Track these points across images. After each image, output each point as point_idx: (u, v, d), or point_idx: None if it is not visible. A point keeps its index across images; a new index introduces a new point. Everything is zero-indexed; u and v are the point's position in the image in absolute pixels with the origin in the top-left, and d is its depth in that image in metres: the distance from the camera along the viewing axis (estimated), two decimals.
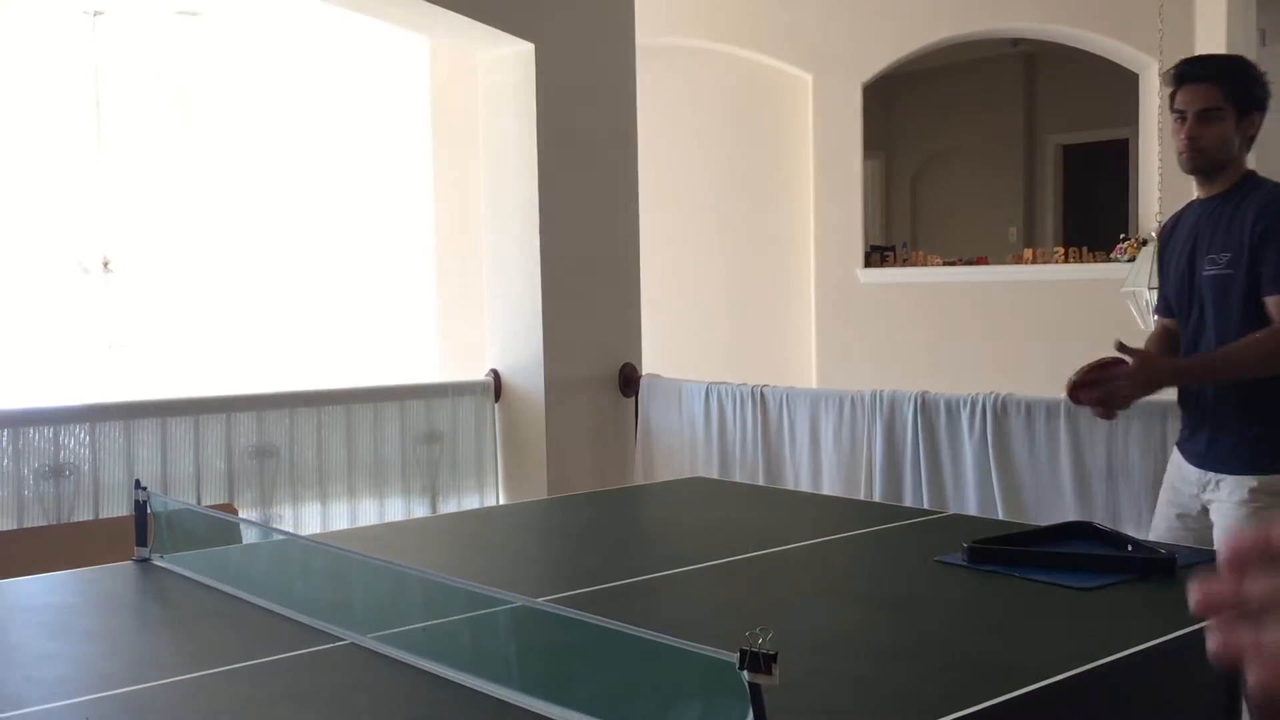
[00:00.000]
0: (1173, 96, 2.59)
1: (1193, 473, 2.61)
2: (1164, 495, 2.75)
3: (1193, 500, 2.61)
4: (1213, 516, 2.56)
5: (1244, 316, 2.49)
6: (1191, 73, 2.55)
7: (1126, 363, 2.52)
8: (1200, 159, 2.54)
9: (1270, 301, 2.45)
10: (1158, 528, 2.71)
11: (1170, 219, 2.78)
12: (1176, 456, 2.71)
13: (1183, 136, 2.54)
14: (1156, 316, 2.87)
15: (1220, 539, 2.51)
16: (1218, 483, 2.54)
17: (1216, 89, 2.51)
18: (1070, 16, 7.18)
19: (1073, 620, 1.89)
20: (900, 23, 7.40)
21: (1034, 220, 10.41)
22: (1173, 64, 2.65)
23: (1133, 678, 1.70)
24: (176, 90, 9.08)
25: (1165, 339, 2.75)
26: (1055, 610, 1.94)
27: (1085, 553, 2.21)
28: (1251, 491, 2.48)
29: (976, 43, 8.17)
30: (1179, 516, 2.64)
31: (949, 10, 7.36)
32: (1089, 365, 2.57)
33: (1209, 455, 2.57)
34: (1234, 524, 2.49)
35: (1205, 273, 2.54)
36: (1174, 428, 3.15)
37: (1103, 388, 2.54)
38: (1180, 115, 2.54)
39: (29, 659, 1.83)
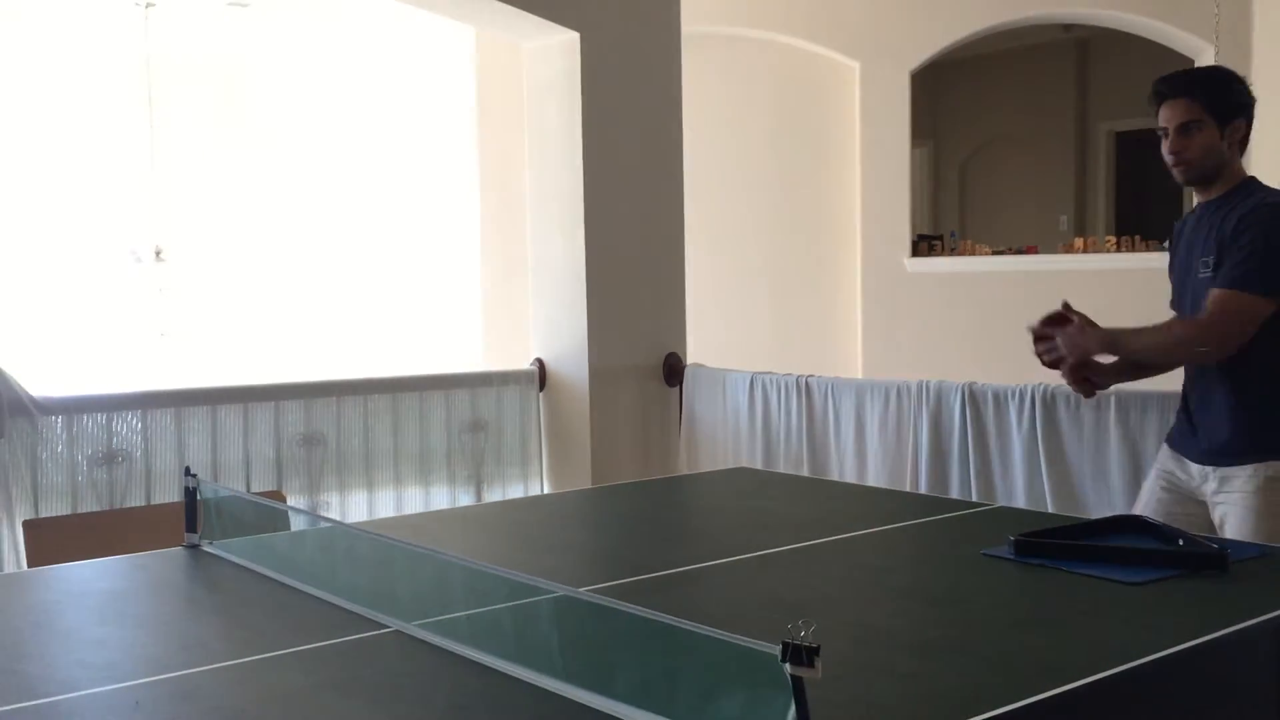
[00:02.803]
0: (1156, 115, 2.66)
1: (1195, 468, 2.66)
2: (1154, 485, 2.78)
3: (1194, 493, 2.66)
4: (1220, 510, 2.60)
5: None
6: (1167, 89, 2.63)
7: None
8: (1188, 171, 2.62)
9: (1213, 293, 2.52)
10: (1148, 507, 2.74)
11: (1181, 221, 2.83)
12: (1171, 452, 2.76)
13: (1168, 152, 2.63)
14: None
15: (1237, 529, 2.53)
16: (1224, 477, 2.58)
17: (1194, 102, 2.59)
18: (1125, 1, 7.06)
19: (1121, 616, 1.86)
20: (950, 9, 7.31)
21: (1085, 209, 10.27)
22: (1156, 80, 2.71)
23: (1183, 675, 1.67)
24: (227, 81, 9.18)
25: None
26: (1104, 605, 1.91)
27: (1135, 547, 2.17)
28: (1267, 480, 2.52)
29: (1028, 29, 8.07)
30: (1174, 504, 2.68)
31: None
32: (1044, 318, 2.66)
33: (1214, 449, 2.62)
34: (1249, 512, 2.53)
35: (1199, 275, 2.60)
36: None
37: (1045, 344, 2.64)
38: (1164, 131, 2.63)
39: (81, 643, 1.86)
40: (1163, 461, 2.80)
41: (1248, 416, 2.57)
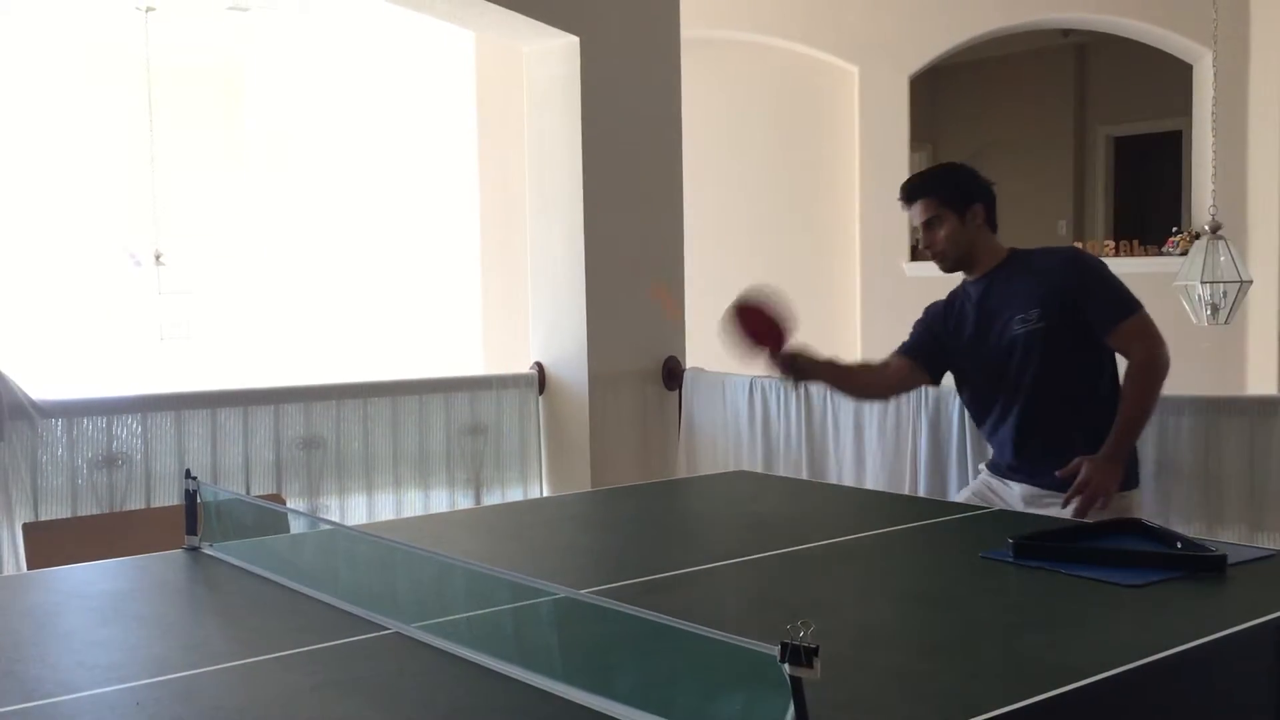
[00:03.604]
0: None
1: (1021, 490, 2.90)
2: (967, 497, 3.04)
3: (1010, 509, 2.84)
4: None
5: (1071, 357, 2.82)
6: (906, 195, 2.96)
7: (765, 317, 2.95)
8: (943, 260, 2.94)
9: (1126, 325, 2.76)
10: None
11: (941, 302, 3.07)
12: (991, 478, 2.99)
13: (924, 246, 2.98)
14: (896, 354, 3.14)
15: None
16: (1049, 498, 2.80)
17: (929, 200, 2.91)
18: (1123, 6, 7.08)
19: (1120, 618, 1.87)
20: (949, 13, 7.33)
21: (1084, 213, 10.28)
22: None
23: (1181, 677, 1.68)
24: (227, 85, 9.19)
25: (874, 371, 3.12)
26: (1102, 607, 1.92)
27: (1133, 549, 2.18)
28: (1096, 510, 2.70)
29: (1026, 34, 8.08)
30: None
31: (1000, 1, 7.28)
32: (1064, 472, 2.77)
33: (1033, 476, 2.86)
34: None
35: (1016, 331, 2.82)
36: (1225, 424, 3.19)
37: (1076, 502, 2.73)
38: (916, 230, 2.99)
39: (82, 645, 1.86)
40: (981, 484, 3.03)
41: (1090, 448, 2.74)
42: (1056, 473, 2.75)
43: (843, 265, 7.50)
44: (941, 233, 2.90)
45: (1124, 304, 2.81)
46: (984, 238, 2.92)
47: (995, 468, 3.03)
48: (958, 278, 3.06)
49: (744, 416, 4.41)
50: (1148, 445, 3.37)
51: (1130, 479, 2.83)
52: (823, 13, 7.39)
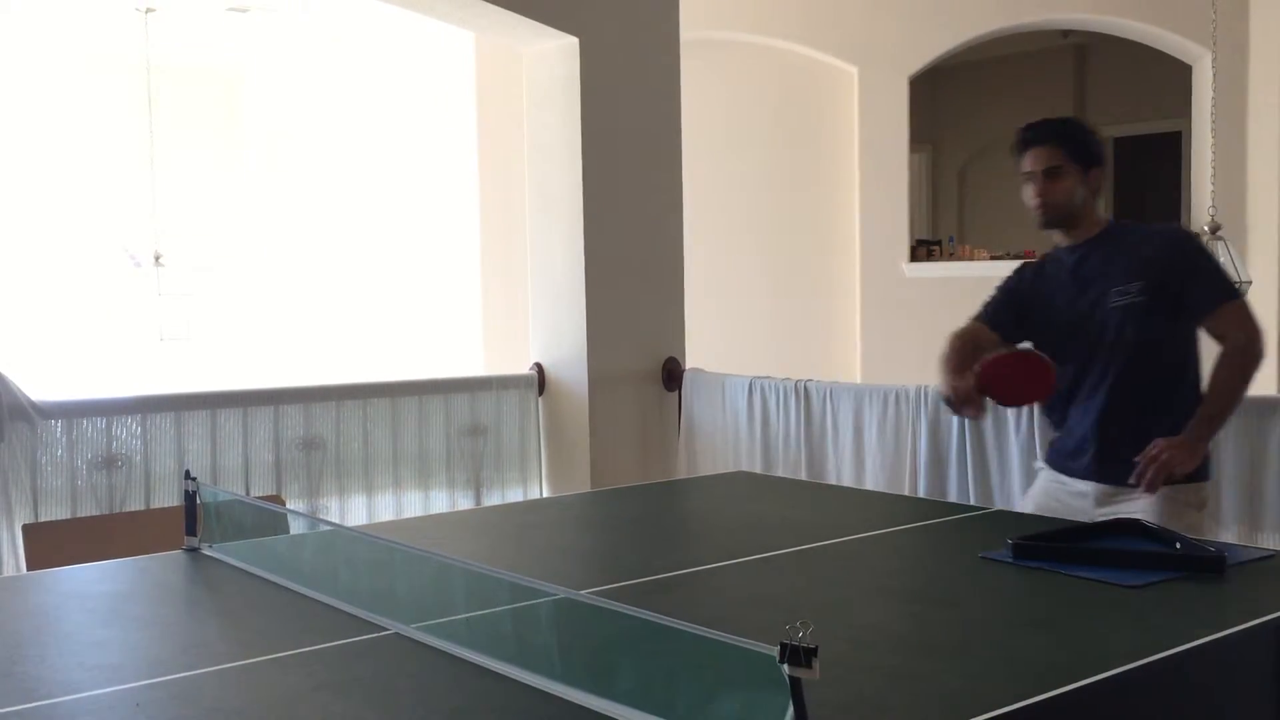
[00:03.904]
0: (1021, 160, 2.79)
1: (1088, 488, 2.74)
2: (1037, 504, 2.85)
3: (1079, 513, 2.71)
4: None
5: (1163, 339, 2.71)
6: (1035, 137, 2.78)
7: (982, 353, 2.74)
8: (1051, 214, 2.76)
9: (1225, 310, 2.66)
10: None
11: (1033, 264, 2.96)
12: (1055, 475, 2.83)
13: (1034, 195, 2.77)
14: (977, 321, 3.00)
15: None
16: (1123, 496, 2.65)
17: (1059, 149, 2.75)
18: (1123, 7, 7.08)
19: (1119, 618, 1.87)
20: (948, 15, 7.32)
21: None
22: (1021, 128, 2.83)
23: (1180, 676, 1.68)
24: (226, 86, 9.20)
25: (969, 345, 2.87)
26: (1102, 608, 1.92)
27: (1133, 550, 2.18)
28: (1168, 500, 2.60)
29: (1026, 34, 8.07)
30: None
31: (1000, 1, 7.28)
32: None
33: (1106, 471, 2.71)
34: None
35: (1116, 304, 2.70)
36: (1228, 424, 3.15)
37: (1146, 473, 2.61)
38: (1028, 176, 2.77)
39: (82, 646, 1.86)
40: (1045, 484, 2.87)
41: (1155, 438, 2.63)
42: (1135, 458, 2.59)
43: (843, 265, 7.49)
44: (1062, 185, 2.74)
45: (1226, 288, 2.71)
46: (1092, 203, 2.79)
47: (1060, 462, 2.84)
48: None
49: (743, 417, 4.41)
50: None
51: (1203, 470, 2.69)
52: (822, 13, 7.38)
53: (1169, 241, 2.76)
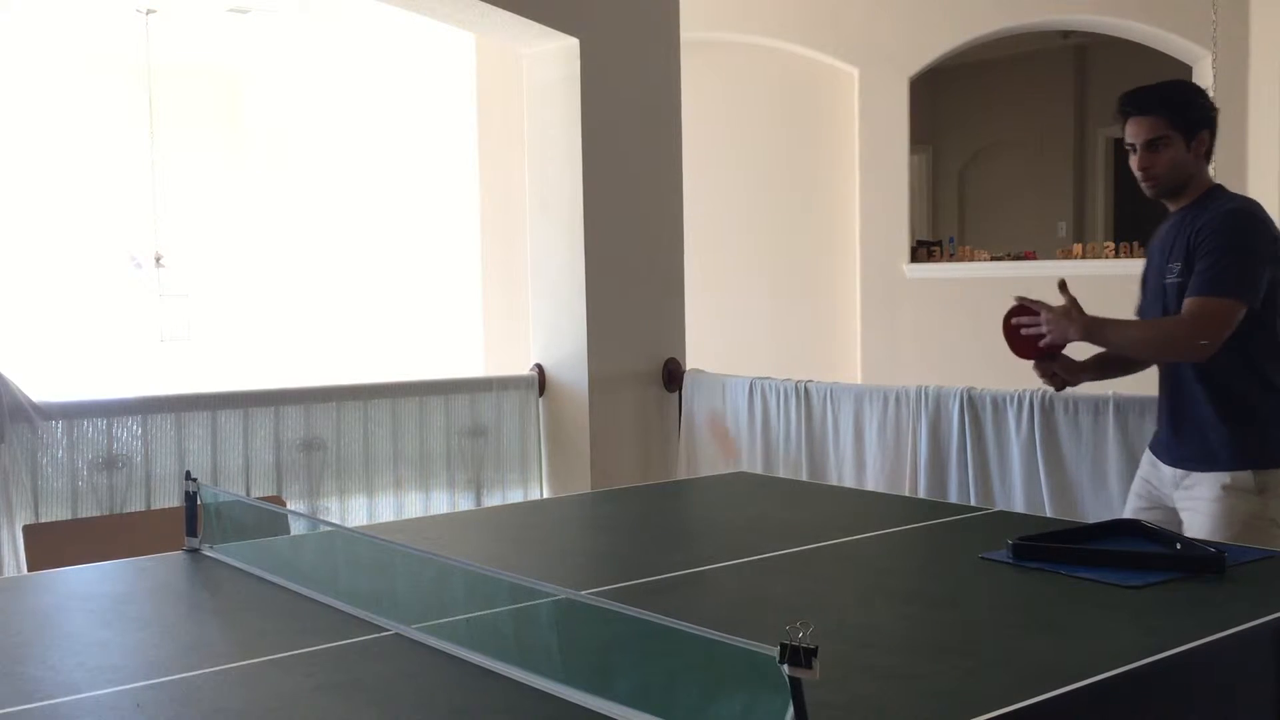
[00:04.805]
0: (1123, 130, 2.71)
1: (1168, 472, 2.71)
2: (1134, 490, 2.85)
3: (1165, 498, 2.70)
4: (1184, 513, 2.65)
5: None
6: (1134, 107, 2.69)
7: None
8: (1156, 186, 2.67)
9: (1188, 300, 2.57)
10: (1127, 513, 2.80)
11: (1159, 229, 2.88)
12: (1150, 457, 2.81)
13: (1137, 167, 2.68)
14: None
15: (1195, 532, 2.56)
16: (1191, 481, 2.63)
17: (1160, 118, 2.64)
18: (1123, 8, 7.08)
19: (1119, 618, 1.87)
20: (949, 15, 7.33)
21: (1084, 215, 10.27)
22: (1119, 98, 2.78)
23: (1181, 677, 1.68)
24: (227, 87, 9.20)
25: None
26: (1102, 608, 1.92)
27: (1133, 550, 2.18)
28: (1224, 488, 2.56)
29: (1026, 35, 8.08)
30: (1146, 510, 2.72)
31: (1000, 3, 7.28)
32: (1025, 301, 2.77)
33: (1184, 455, 2.67)
34: (1206, 519, 2.56)
35: (1166, 281, 2.65)
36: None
37: (1029, 317, 2.69)
38: (1131, 146, 2.69)
39: (82, 646, 1.86)
40: (1143, 467, 2.86)
41: (1221, 425, 2.60)
42: (1022, 296, 2.70)
43: (843, 265, 7.50)
44: (1165, 156, 2.63)
45: (1216, 282, 2.54)
46: (1200, 169, 2.68)
47: (1154, 445, 2.81)
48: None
49: (744, 418, 4.41)
50: (1147, 444, 3.37)
51: (1261, 457, 2.59)
52: (823, 15, 7.39)
53: (1208, 222, 2.61)
